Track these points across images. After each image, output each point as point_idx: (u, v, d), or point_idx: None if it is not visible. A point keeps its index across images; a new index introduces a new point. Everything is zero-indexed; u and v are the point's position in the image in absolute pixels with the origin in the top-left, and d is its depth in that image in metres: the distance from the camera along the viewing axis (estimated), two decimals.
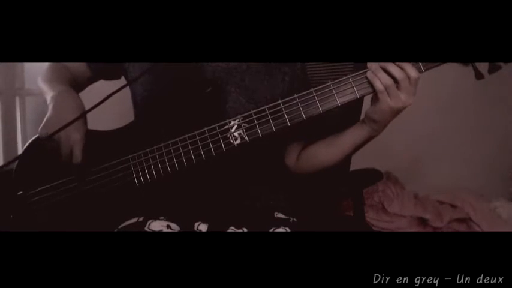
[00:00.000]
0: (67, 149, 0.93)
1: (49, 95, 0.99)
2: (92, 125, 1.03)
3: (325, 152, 1.05)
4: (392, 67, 0.89)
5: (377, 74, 0.90)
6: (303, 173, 1.11)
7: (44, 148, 0.95)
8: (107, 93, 1.14)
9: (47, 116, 0.95)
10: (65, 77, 1.06)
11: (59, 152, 0.94)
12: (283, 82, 1.06)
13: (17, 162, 1.00)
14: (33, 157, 0.98)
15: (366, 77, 0.91)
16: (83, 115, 0.82)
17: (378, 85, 0.90)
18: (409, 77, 0.89)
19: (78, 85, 1.11)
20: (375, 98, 0.92)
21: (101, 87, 1.16)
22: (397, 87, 0.90)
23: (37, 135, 0.96)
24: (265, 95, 1.03)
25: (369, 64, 0.91)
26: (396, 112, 0.92)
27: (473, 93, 2.06)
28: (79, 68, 1.11)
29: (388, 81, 0.89)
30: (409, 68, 0.89)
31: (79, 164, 0.94)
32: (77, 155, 0.94)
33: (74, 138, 0.93)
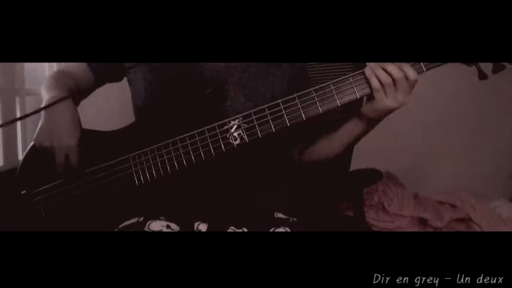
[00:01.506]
0: (62, 157, 0.93)
1: (43, 100, 1.00)
2: (92, 126, 1.03)
3: (324, 147, 1.06)
4: (390, 66, 0.90)
5: (376, 71, 0.90)
6: (307, 166, 1.12)
7: (41, 156, 0.95)
8: (106, 93, 1.14)
9: (39, 125, 0.95)
10: (63, 83, 1.05)
11: (54, 160, 0.94)
12: (283, 80, 1.06)
13: (20, 162, 1.01)
14: (35, 158, 0.98)
15: (365, 76, 0.91)
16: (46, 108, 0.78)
17: (375, 83, 0.90)
18: (407, 78, 0.89)
19: (82, 91, 1.11)
20: (371, 96, 0.92)
21: (101, 88, 1.16)
22: (395, 86, 0.90)
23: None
24: (264, 94, 1.02)
25: (368, 63, 0.91)
26: (391, 111, 0.93)
27: (474, 93, 2.06)
28: (82, 73, 1.11)
29: (387, 79, 0.90)
30: (408, 68, 0.89)
31: (76, 169, 0.94)
32: (73, 162, 0.94)
33: (67, 145, 0.93)
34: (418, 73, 0.90)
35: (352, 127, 1.00)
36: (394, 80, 0.90)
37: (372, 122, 0.97)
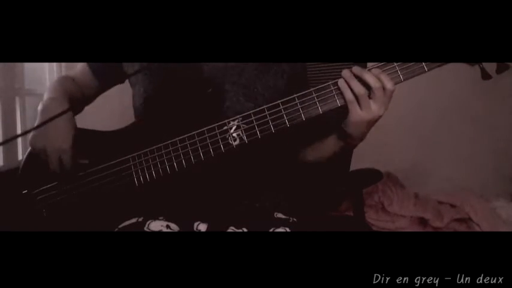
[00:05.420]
0: (55, 159, 0.93)
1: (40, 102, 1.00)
2: (92, 126, 1.03)
3: (310, 155, 1.08)
4: (367, 75, 0.87)
5: (350, 82, 0.88)
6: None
7: (37, 158, 0.95)
8: (106, 93, 1.14)
9: (34, 126, 0.95)
10: (65, 87, 1.05)
11: (48, 163, 0.94)
12: (282, 80, 1.05)
13: (22, 162, 1.01)
14: (37, 157, 0.98)
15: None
16: (47, 121, 0.79)
17: (348, 95, 0.88)
18: (384, 88, 0.87)
19: (85, 96, 1.11)
20: (347, 109, 0.90)
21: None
22: (370, 96, 0.88)
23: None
24: (263, 93, 1.02)
25: (343, 72, 0.90)
26: (368, 123, 0.90)
27: (474, 92, 2.06)
28: (86, 79, 1.11)
29: (361, 90, 0.87)
30: (386, 79, 0.87)
31: (70, 171, 0.94)
32: (66, 164, 0.94)
33: (60, 148, 0.93)
34: (396, 83, 0.88)
35: (333, 141, 1.00)
36: (371, 89, 0.87)
37: (350, 138, 0.95)
